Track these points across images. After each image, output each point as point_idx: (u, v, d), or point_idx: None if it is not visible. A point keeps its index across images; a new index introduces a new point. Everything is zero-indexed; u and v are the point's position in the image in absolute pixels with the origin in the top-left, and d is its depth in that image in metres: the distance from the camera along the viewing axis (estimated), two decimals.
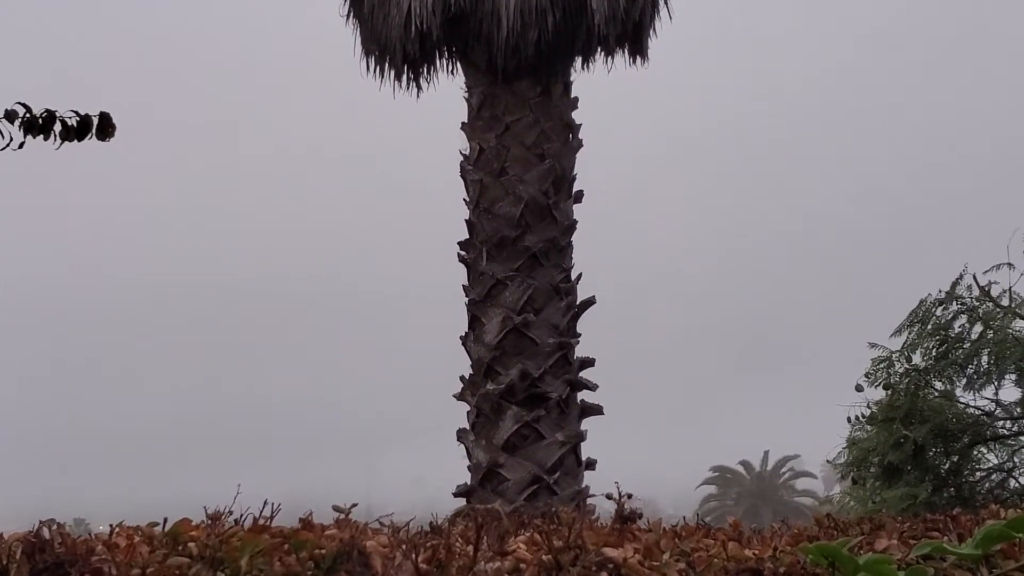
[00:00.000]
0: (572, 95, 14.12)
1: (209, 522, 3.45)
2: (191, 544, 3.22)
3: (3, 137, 5.27)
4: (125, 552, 3.12)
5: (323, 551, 3.23)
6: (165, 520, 3.35)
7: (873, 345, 14.04)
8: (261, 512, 3.72)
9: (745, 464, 58.45)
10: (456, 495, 13.20)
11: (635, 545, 3.79)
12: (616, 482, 4.15)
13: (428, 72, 14.34)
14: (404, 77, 14.17)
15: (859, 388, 13.91)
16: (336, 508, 3.75)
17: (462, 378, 13.47)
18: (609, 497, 4.10)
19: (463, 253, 13.74)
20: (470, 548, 3.42)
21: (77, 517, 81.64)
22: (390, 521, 3.80)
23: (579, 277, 13.69)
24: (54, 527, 3.33)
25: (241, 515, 3.72)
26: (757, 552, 3.74)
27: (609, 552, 3.57)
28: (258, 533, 3.25)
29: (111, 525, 3.37)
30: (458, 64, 14.32)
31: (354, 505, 3.75)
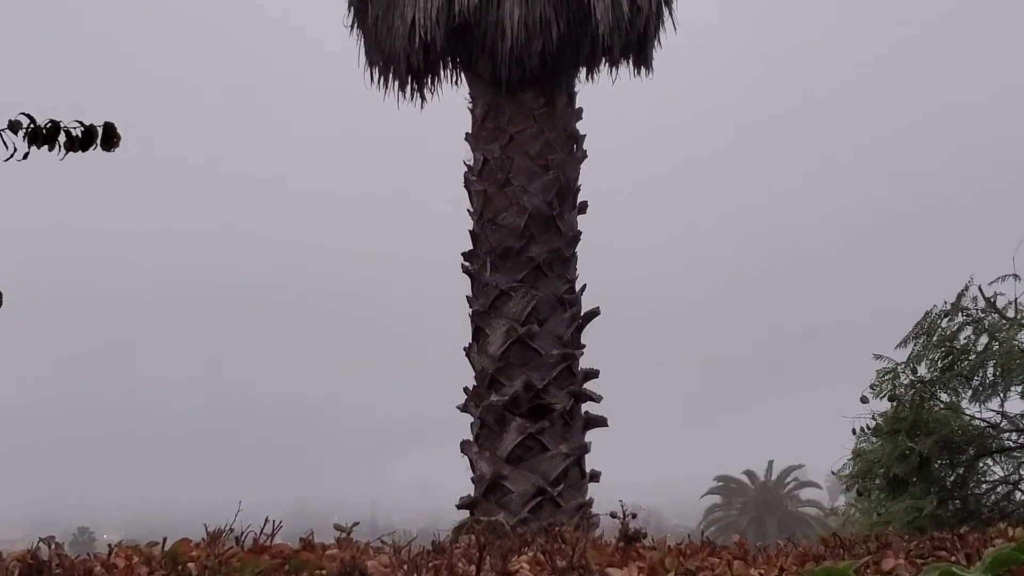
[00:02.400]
0: (576, 106, 14.09)
1: (209, 541, 3.42)
2: (190, 564, 3.19)
3: (7, 148, 5.25)
4: (123, 573, 3.10)
5: (324, 572, 3.20)
6: (164, 540, 3.32)
7: (878, 356, 13.98)
8: (262, 529, 3.68)
9: (749, 474, 58.28)
10: (460, 507, 13.15)
11: (639, 564, 3.75)
12: (621, 500, 4.12)
13: (432, 83, 14.30)
14: (408, 88, 14.13)
15: (864, 399, 13.85)
16: (337, 527, 3.72)
17: (466, 389, 13.43)
18: (614, 516, 4.07)
19: (467, 264, 13.70)
20: (472, 568, 3.39)
21: (82, 526, 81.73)
22: (391, 539, 3.77)
23: (583, 288, 13.65)
24: (52, 546, 3.30)
25: (243, 532, 3.69)
26: (762, 572, 3.70)
27: (613, 572, 3.54)
28: (258, 554, 3.22)
29: (109, 545, 3.33)
30: (462, 75, 14.29)
31: (356, 524, 3.72)
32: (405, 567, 3.31)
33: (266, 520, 3.70)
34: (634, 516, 4.10)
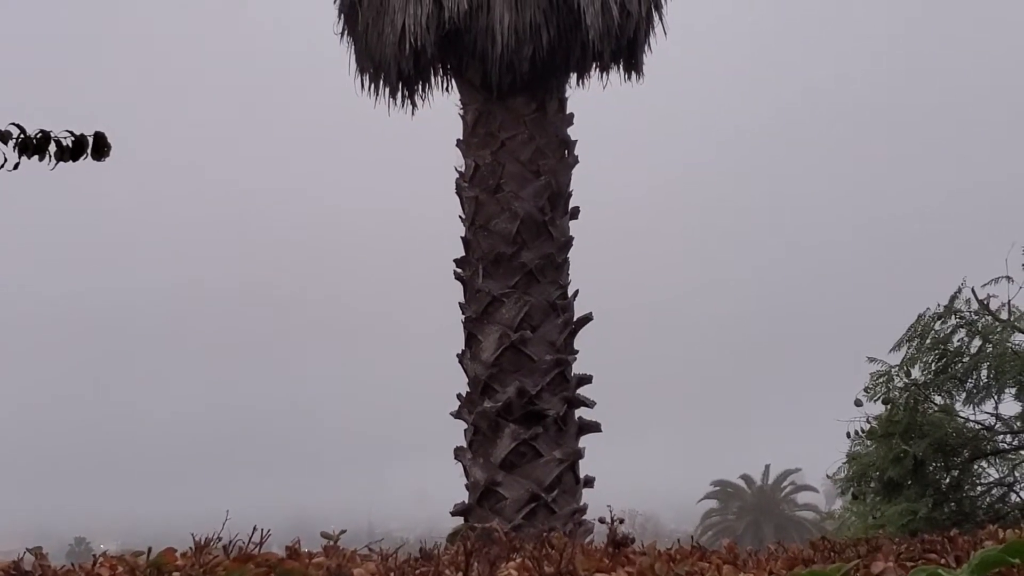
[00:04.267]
0: (567, 111, 14.09)
1: (195, 551, 3.40)
2: (175, 574, 3.17)
3: None
4: None
5: None
6: (150, 550, 3.30)
7: (872, 360, 13.97)
8: (251, 538, 3.66)
9: (746, 478, 58.27)
10: (454, 514, 13.14)
11: (628, 569, 3.74)
12: (609, 506, 4.10)
13: (423, 89, 14.30)
14: (399, 95, 14.13)
15: (858, 403, 13.84)
16: (324, 535, 3.70)
17: (459, 396, 13.41)
18: (602, 521, 4.05)
19: (459, 270, 13.70)
20: (460, 575, 3.38)
21: (78, 536, 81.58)
22: (379, 547, 3.75)
23: (576, 294, 13.64)
24: (36, 556, 3.28)
25: (231, 540, 3.67)
26: None
27: None
28: (243, 563, 3.20)
29: (94, 555, 3.32)
30: (453, 81, 14.29)
31: (342, 531, 3.70)
32: (392, 574, 3.29)
33: (254, 528, 3.68)
34: (622, 521, 4.08)
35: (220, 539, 3.64)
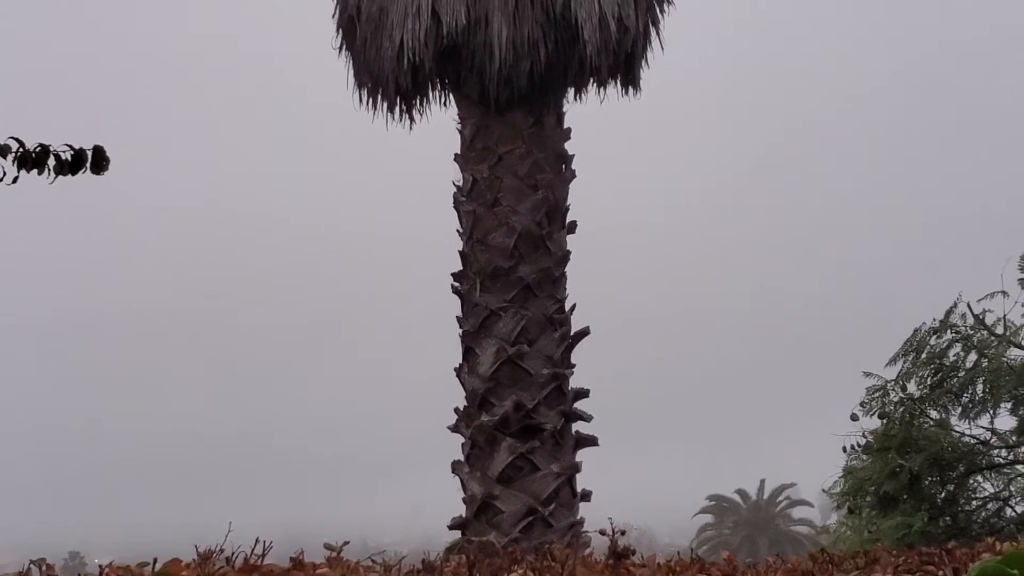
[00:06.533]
0: (565, 126, 14.12)
1: (199, 561, 3.42)
2: None
3: None
4: None
5: None
6: (155, 560, 3.32)
7: (868, 374, 14.00)
8: (253, 550, 3.67)
9: (741, 493, 58.18)
10: (451, 528, 13.13)
11: None
12: (610, 518, 4.12)
13: (421, 104, 14.32)
14: (397, 109, 14.15)
15: (854, 417, 13.86)
16: (327, 546, 3.71)
17: (456, 410, 13.42)
18: (603, 533, 4.07)
19: (457, 284, 13.70)
20: None
21: (72, 550, 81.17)
22: (382, 559, 3.77)
23: (573, 308, 13.66)
24: (43, 568, 3.30)
25: (233, 552, 3.68)
26: None
27: None
28: (248, 573, 3.22)
29: (100, 566, 3.33)
30: (451, 95, 14.31)
31: (346, 543, 3.71)
32: None
33: (256, 540, 3.69)
34: (623, 533, 4.10)
35: (223, 551, 3.66)
